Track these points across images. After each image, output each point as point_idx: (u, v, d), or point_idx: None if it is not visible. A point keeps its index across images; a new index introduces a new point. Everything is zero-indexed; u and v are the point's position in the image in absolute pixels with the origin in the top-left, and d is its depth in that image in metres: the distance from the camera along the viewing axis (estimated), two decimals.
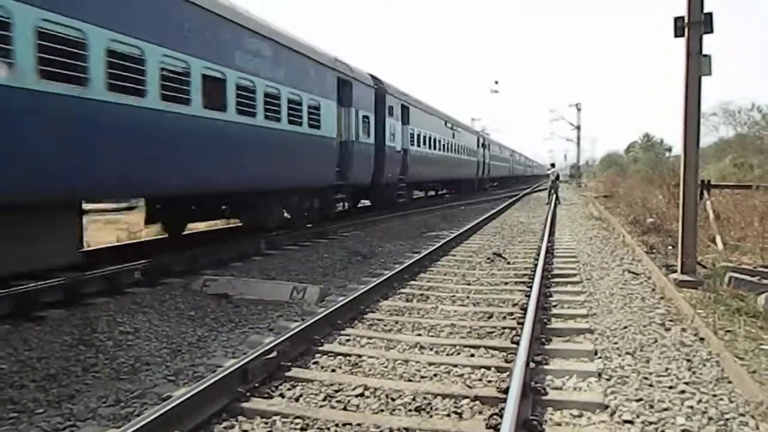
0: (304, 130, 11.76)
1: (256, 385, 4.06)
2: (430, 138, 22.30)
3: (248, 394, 3.90)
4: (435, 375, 4.34)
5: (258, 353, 4.24)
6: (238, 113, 9.35)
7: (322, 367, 4.55)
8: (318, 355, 4.80)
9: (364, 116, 15.23)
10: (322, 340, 5.09)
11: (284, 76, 10.86)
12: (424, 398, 3.88)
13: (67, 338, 5.28)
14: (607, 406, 3.73)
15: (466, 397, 3.87)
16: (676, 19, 7.55)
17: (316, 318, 5.33)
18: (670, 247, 10.34)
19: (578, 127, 56.35)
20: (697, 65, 7.42)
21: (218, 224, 13.90)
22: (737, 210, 12.16)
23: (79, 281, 6.89)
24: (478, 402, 3.82)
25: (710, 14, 7.38)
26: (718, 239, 10.58)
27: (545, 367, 4.44)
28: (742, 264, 8.43)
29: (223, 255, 9.60)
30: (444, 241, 11.32)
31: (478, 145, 33.76)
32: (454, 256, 10.35)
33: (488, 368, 4.43)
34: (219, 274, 8.08)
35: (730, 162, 25.46)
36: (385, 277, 7.45)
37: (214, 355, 4.96)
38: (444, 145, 24.84)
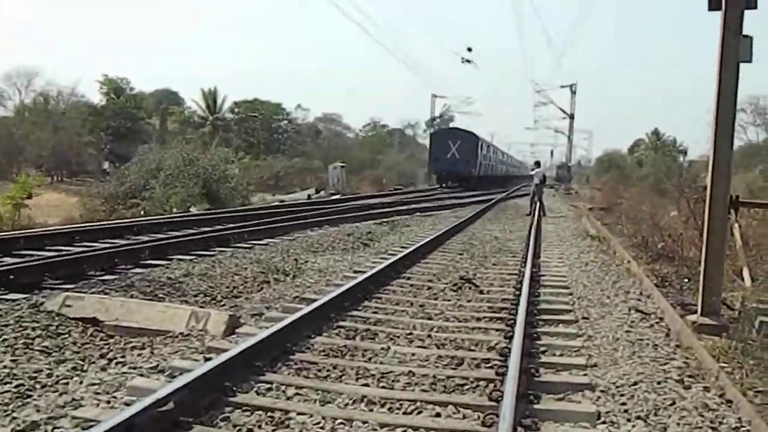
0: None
1: None
2: (487, 156, 56.60)
3: None
4: None
5: (147, 404, 4.17)
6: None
7: (236, 426, 4.52)
8: (229, 409, 4.77)
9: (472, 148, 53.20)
10: (235, 389, 5.06)
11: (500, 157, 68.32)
12: None
13: None
14: None
15: None
16: None
17: (226, 357, 5.29)
18: (686, 280, 10.84)
19: (571, 116, 58.47)
20: (734, 47, 7.84)
21: None
22: None
23: None
24: None
25: None
26: (746, 272, 11.13)
27: None
28: None
29: (86, 264, 9.37)
30: (394, 258, 11.44)
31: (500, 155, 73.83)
32: (408, 279, 10.50)
33: None
34: (85, 289, 7.87)
35: (760, 173, 26.89)
36: (317, 304, 7.47)
37: (82, 405, 4.81)
38: (488, 157, 58.56)
